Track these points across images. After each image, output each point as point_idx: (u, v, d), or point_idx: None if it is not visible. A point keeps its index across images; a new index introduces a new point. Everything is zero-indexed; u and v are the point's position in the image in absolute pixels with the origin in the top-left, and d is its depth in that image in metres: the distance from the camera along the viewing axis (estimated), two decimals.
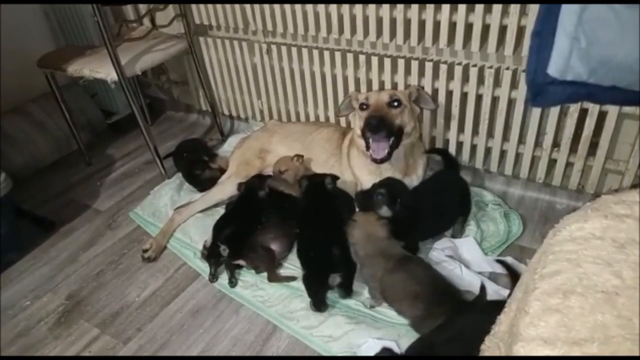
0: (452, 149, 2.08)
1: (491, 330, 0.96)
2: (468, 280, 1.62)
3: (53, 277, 1.95)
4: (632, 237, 0.85)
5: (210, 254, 1.83)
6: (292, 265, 1.82)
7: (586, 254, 0.85)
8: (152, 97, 3.20)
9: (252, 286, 1.78)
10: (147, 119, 3.01)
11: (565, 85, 0.82)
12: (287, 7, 2.14)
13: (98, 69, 2.21)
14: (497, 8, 1.69)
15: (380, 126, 1.68)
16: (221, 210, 2.09)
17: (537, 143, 1.91)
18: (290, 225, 1.84)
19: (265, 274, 1.78)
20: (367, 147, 1.78)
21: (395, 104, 1.77)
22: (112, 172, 2.64)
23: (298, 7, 2.11)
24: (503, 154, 2.01)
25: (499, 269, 1.67)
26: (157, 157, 2.39)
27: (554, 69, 0.80)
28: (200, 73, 2.62)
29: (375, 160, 1.74)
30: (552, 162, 1.92)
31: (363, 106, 1.81)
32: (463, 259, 1.74)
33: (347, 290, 1.65)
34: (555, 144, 1.88)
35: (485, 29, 1.76)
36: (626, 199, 0.92)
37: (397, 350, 1.45)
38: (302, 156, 2.06)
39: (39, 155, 2.67)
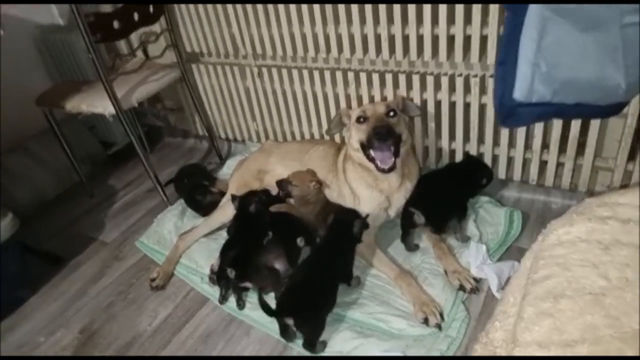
0: (444, 157, 2.14)
1: (481, 338, 1.00)
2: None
3: (64, 312, 1.99)
4: (616, 238, 0.89)
5: (220, 277, 1.87)
6: None
7: (574, 257, 0.89)
8: (149, 125, 3.26)
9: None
10: (145, 147, 3.07)
11: (533, 106, 0.87)
12: (275, 30, 2.21)
13: (95, 103, 2.27)
14: (476, 19, 1.74)
15: (389, 135, 1.73)
16: (224, 234, 2.13)
17: (527, 146, 1.96)
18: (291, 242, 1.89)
19: (272, 294, 1.81)
20: (369, 159, 1.82)
21: (392, 113, 1.82)
22: (115, 202, 2.69)
23: (285, 29, 2.17)
24: (495, 158, 2.06)
25: (494, 277, 1.70)
26: (158, 184, 2.43)
27: (519, 93, 0.86)
28: (194, 99, 2.68)
29: (383, 170, 1.78)
30: (543, 164, 1.97)
31: (361, 119, 1.85)
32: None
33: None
34: (545, 146, 1.92)
35: (467, 39, 1.82)
36: (608, 201, 0.96)
37: None
38: (320, 183, 2.04)
39: (41, 190, 2.72)
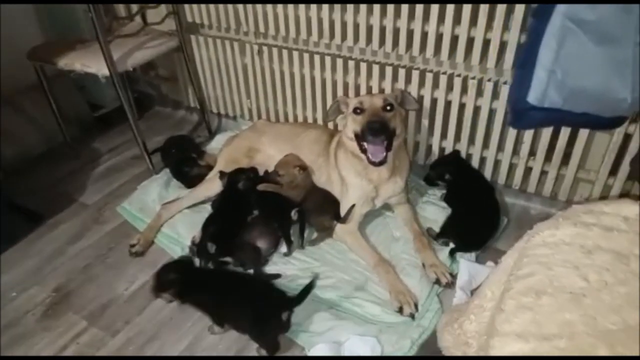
0: (434, 154, 2.18)
1: (452, 330, 1.04)
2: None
3: (40, 270, 1.97)
4: (598, 244, 0.93)
5: (200, 251, 1.87)
6: (279, 262, 1.89)
7: (557, 258, 0.94)
8: (140, 92, 3.21)
9: None
10: (134, 114, 3.02)
11: (542, 111, 0.91)
12: (280, 10, 2.20)
13: (89, 63, 2.23)
14: (481, 22, 1.77)
15: (382, 130, 1.75)
16: (208, 207, 2.14)
17: (515, 151, 2.01)
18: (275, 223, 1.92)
19: (251, 271, 1.83)
20: (361, 150, 1.85)
21: (389, 107, 1.84)
22: (99, 165, 2.65)
23: (290, 10, 2.17)
24: (483, 160, 2.10)
25: (466, 274, 1.75)
26: (146, 152, 2.42)
27: (533, 97, 0.90)
28: (190, 70, 2.66)
29: (373, 163, 1.80)
30: (528, 170, 2.02)
31: (357, 110, 1.86)
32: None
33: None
34: (532, 153, 1.98)
35: (470, 41, 1.85)
36: (594, 209, 1.01)
37: (378, 345, 1.53)
38: (305, 168, 2.09)
39: (26, 146, 2.67)
